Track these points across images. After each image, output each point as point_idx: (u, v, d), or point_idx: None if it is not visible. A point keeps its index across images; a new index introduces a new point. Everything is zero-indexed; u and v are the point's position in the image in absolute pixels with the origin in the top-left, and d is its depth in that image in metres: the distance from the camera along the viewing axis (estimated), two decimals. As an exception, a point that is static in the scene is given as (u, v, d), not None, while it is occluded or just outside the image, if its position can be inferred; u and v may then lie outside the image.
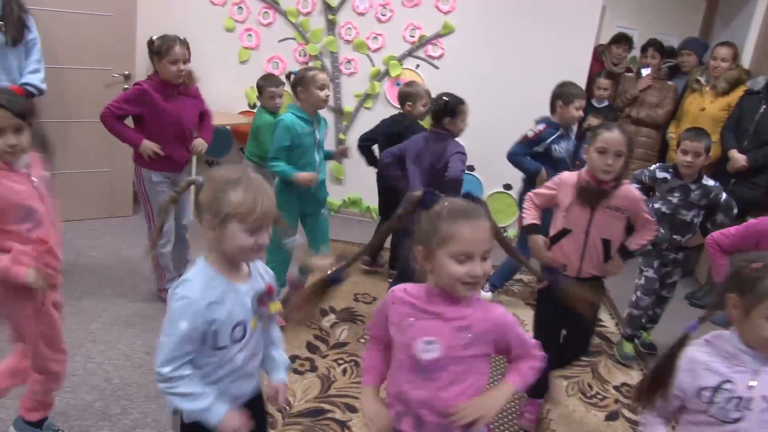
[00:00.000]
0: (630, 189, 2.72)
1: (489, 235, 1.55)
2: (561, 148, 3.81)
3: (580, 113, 3.83)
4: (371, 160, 4.32)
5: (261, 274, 1.74)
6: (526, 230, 2.83)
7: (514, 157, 3.85)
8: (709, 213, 3.49)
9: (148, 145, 3.41)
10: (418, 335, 1.60)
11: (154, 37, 3.36)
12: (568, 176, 2.74)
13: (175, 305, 1.58)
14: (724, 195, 3.42)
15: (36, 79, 3.88)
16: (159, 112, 3.40)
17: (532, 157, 3.82)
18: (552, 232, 2.77)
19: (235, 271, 1.66)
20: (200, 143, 3.59)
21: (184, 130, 3.51)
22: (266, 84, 4.39)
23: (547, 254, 2.75)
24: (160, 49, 3.30)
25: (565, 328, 2.85)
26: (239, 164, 4.97)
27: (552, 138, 3.78)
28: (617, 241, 2.76)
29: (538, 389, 2.88)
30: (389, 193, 3.96)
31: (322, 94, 3.36)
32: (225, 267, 1.63)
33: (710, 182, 3.42)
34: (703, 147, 3.29)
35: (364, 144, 4.30)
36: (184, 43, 3.39)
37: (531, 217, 2.81)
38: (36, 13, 3.91)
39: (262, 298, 1.69)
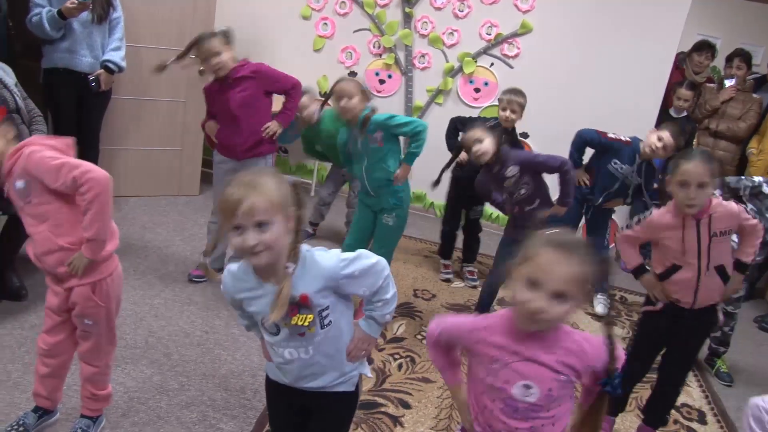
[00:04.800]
0: (727, 206, 2.51)
1: (569, 278, 1.41)
2: (620, 168, 3.75)
3: (657, 144, 3.57)
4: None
5: (317, 277, 1.58)
6: (634, 274, 2.70)
7: (578, 137, 3.82)
8: None
9: (209, 125, 3.57)
10: (513, 379, 1.51)
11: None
12: (659, 217, 2.54)
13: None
14: None
15: (117, 56, 3.99)
16: (212, 102, 3.52)
17: (597, 155, 3.86)
18: (658, 268, 2.62)
19: (270, 272, 1.57)
20: (272, 126, 3.50)
21: (234, 116, 3.42)
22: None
23: (663, 288, 2.60)
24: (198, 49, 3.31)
25: (667, 355, 2.75)
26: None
27: (620, 153, 3.72)
28: (729, 262, 2.60)
29: (615, 407, 2.80)
30: (467, 182, 3.95)
31: (337, 103, 3.23)
32: (252, 267, 1.59)
33: None
34: None
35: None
36: (217, 36, 3.30)
37: (634, 260, 2.68)
38: (121, -9, 4.01)
39: (291, 305, 1.56)
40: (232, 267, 1.66)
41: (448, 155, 4.06)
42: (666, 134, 3.55)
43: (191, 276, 3.69)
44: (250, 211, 1.45)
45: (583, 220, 4.12)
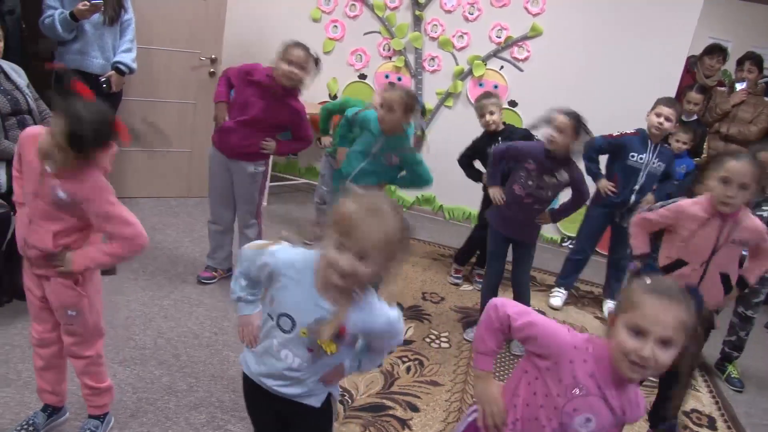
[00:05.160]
0: (755, 221, 2.51)
1: (676, 324, 1.40)
2: (638, 158, 3.82)
3: (659, 120, 3.71)
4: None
5: (364, 322, 1.58)
6: (638, 261, 2.69)
7: (587, 147, 3.78)
8: None
9: (220, 107, 3.48)
10: (583, 410, 1.49)
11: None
12: (689, 206, 2.52)
13: (272, 248, 1.62)
14: None
15: (128, 58, 4.01)
16: (240, 90, 3.44)
17: (611, 158, 3.96)
18: (663, 260, 2.60)
19: (333, 290, 1.53)
20: (271, 145, 3.48)
21: (249, 119, 3.39)
22: None
23: None
24: (283, 48, 3.31)
25: None
26: (316, 154, 4.99)
27: (632, 145, 3.82)
28: (734, 273, 2.59)
29: None
30: None
31: (381, 109, 3.27)
32: (320, 276, 1.54)
33: None
34: None
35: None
36: (312, 56, 3.34)
37: (641, 245, 2.67)
38: (133, -6, 4.03)
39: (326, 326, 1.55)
40: (296, 252, 1.61)
41: (455, 163, 4.08)
42: (662, 108, 3.67)
43: (200, 278, 3.70)
44: (365, 244, 1.43)
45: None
